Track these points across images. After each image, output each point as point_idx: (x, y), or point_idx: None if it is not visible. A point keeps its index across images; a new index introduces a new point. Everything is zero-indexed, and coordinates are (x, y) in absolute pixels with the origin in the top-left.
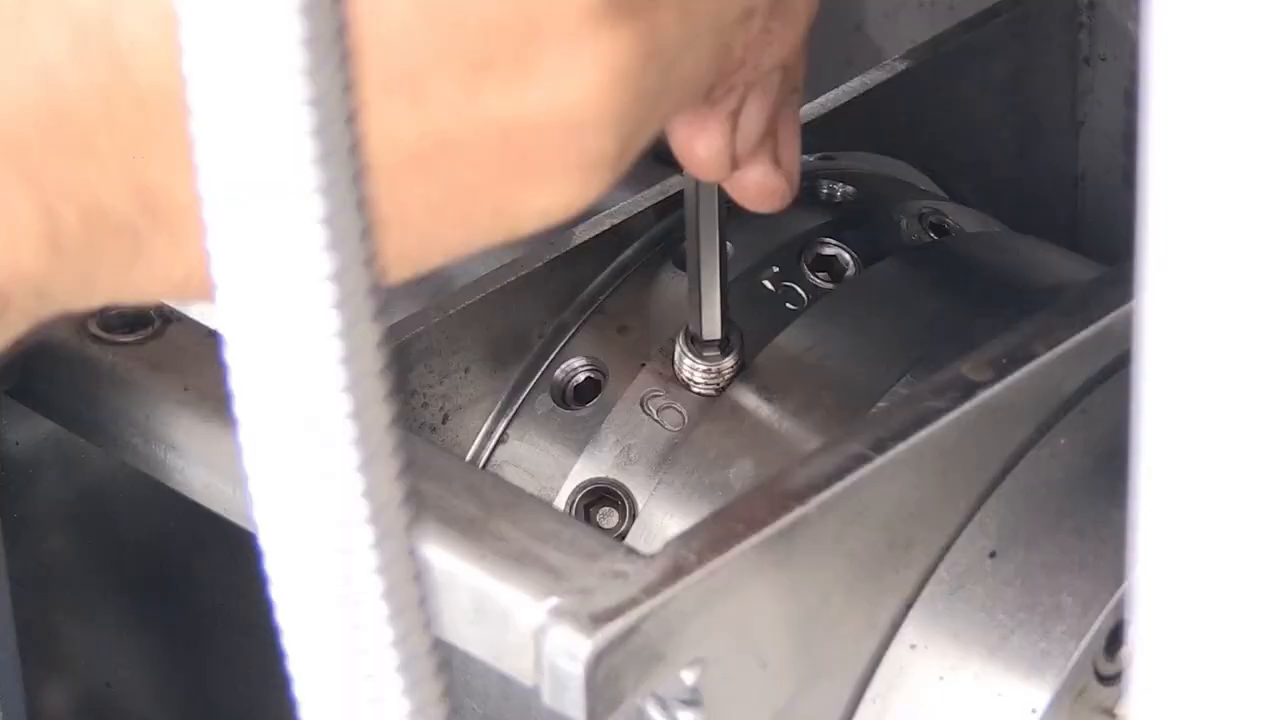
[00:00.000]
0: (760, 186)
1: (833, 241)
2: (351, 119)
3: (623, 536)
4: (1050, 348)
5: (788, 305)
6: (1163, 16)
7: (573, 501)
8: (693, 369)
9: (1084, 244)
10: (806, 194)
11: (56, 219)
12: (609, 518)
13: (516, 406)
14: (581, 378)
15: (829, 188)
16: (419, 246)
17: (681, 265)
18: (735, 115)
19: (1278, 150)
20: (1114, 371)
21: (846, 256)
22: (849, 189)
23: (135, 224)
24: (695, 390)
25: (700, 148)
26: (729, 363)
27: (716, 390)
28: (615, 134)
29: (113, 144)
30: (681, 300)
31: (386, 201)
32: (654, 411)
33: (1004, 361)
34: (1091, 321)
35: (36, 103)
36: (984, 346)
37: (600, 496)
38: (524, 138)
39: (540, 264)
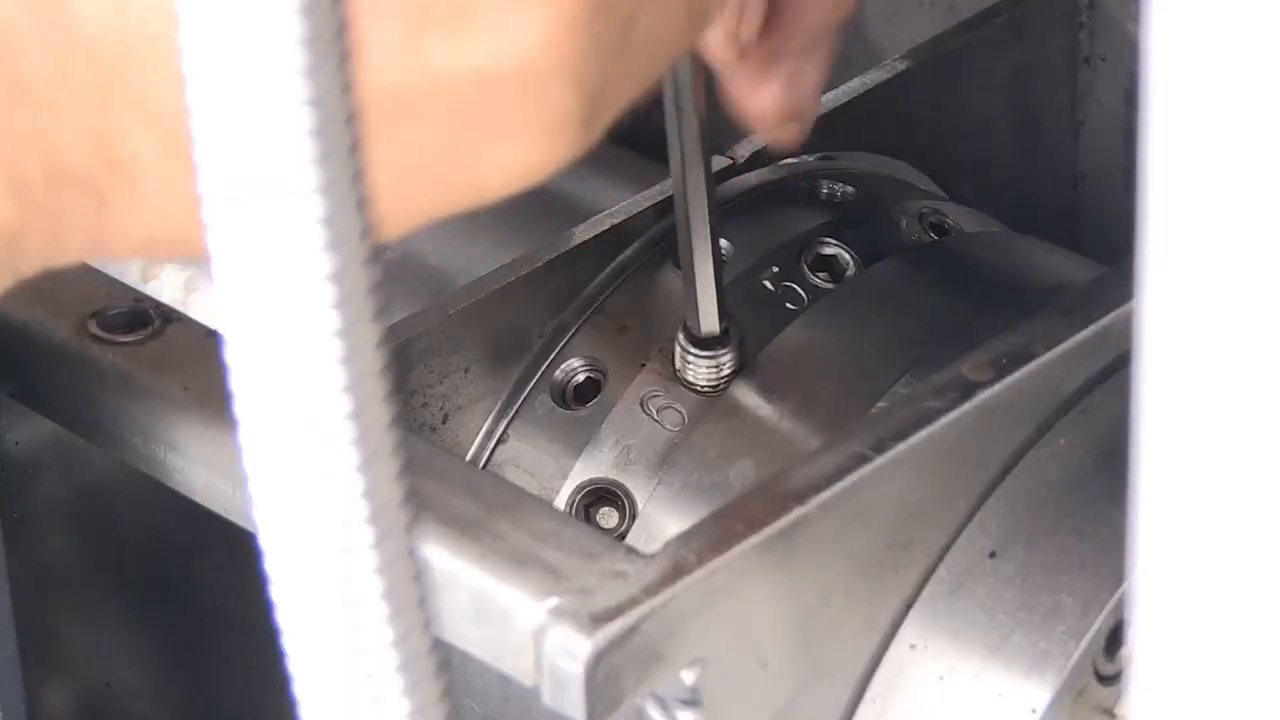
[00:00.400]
0: (778, 108)
1: (833, 241)
2: (351, 119)
3: (623, 536)
4: (1050, 348)
5: (788, 305)
6: (1163, 16)
7: (573, 502)
8: (693, 367)
9: (1084, 244)
10: (806, 194)
11: (20, 171)
12: (609, 518)
13: (516, 406)
14: (581, 378)
15: (829, 188)
16: (387, 211)
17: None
18: (795, 72)
19: (1277, 150)
20: (1114, 371)
21: (846, 256)
22: (849, 189)
23: (97, 178)
24: (695, 390)
25: (759, 101)
26: (728, 358)
27: (716, 389)
28: (576, 89)
29: (68, 97)
30: (681, 300)
31: None
32: (654, 411)
33: (1004, 361)
34: (1091, 321)
35: None
36: (984, 346)
37: (600, 496)
38: (478, 93)
39: (540, 264)
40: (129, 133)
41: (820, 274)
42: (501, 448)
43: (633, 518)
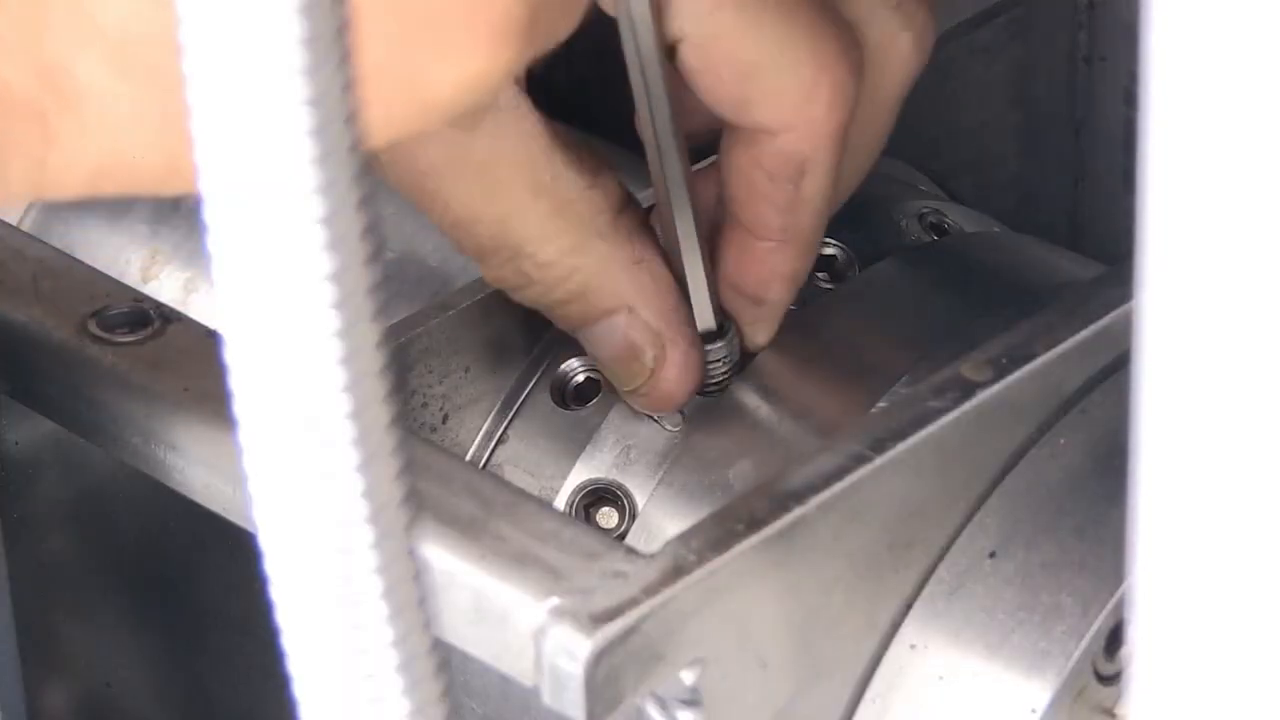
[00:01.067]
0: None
1: (833, 242)
2: (351, 119)
3: (623, 536)
4: (1050, 348)
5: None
6: (1162, 16)
7: (572, 502)
8: None
9: (1084, 244)
10: None
11: None
12: (609, 518)
13: (516, 406)
14: (581, 378)
15: None
16: None
17: None
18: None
19: (1277, 150)
20: (1114, 371)
21: (846, 256)
22: None
23: (41, 104)
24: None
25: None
26: (723, 354)
27: (718, 387)
28: None
29: (7, 20)
30: None
31: None
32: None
33: (1004, 361)
34: (1091, 321)
35: None
36: (984, 346)
37: (600, 497)
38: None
39: None
40: (73, 55)
41: (820, 274)
42: (501, 448)
43: (633, 518)
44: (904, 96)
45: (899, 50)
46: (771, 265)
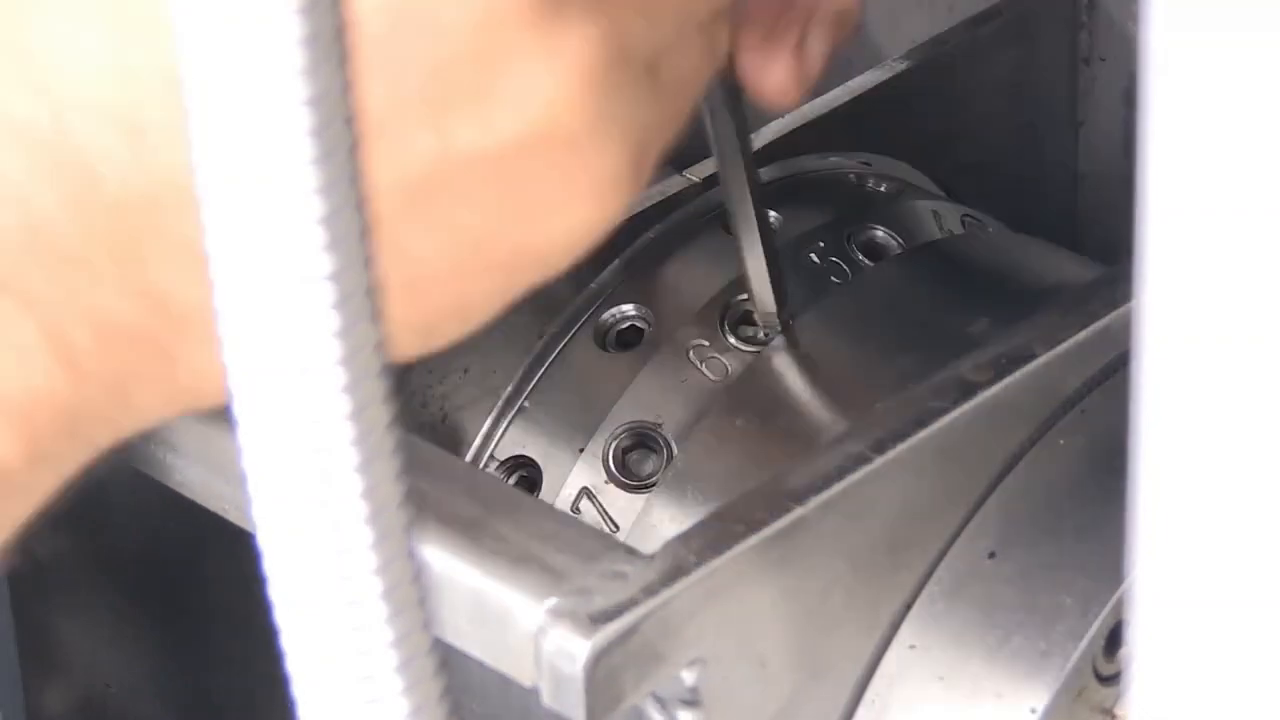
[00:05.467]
0: (780, 82)
1: (879, 228)
2: (351, 119)
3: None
4: (1050, 348)
5: (833, 279)
6: (1162, 16)
7: (609, 444)
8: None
9: (1084, 244)
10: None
11: (67, 338)
12: (644, 461)
13: (517, 406)
14: (626, 325)
15: (873, 183)
16: (447, 307)
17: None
18: (799, 46)
19: (1277, 150)
20: (1114, 371)
21: (893, 242)
22: (891, 183)
23: (154, 332)
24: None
25: (769, 81)
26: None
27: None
28: (614, 143)
29: (102, 254)
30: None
31: (396, 264)
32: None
33: (1004, 361)
34: (1091, 321)
35: (12, 225)
36: (984, 346)
37: (639, 440)
38: (517, 166)
39: None
40: (178, 282)
41: (862, 257)
42: (537, 392)
43: (669, 461)
44: None
45: None
46: None
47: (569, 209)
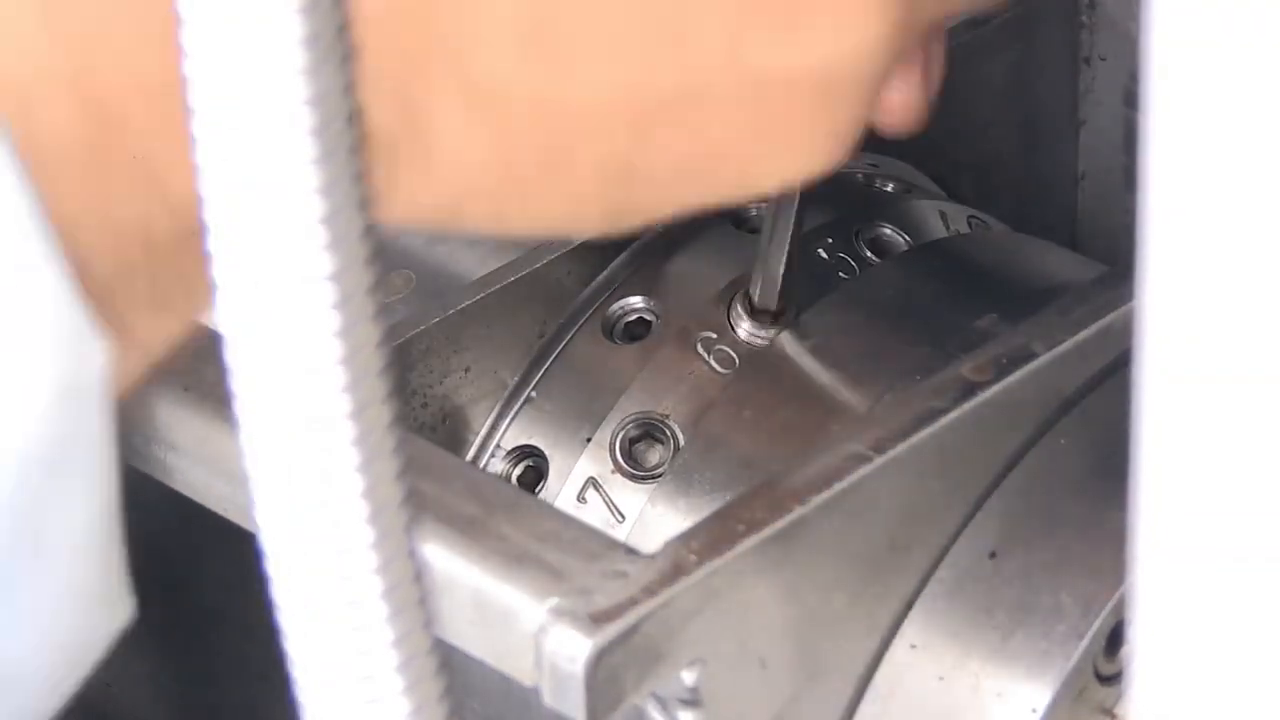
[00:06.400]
0: (904, 104)
1: (887, 226)
2: (352, 119)
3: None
4: (1050, 348)
5: (840, 275)
6: (1163, 16)
7: (616, 433)
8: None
9: (1084, 244)
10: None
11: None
12: (651, 451)
13: (517, 407)
14: (633, 316)
15: (880, 183)
16: (654, 198)
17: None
18: (924, 64)
19: (1277, 150)
20: (1114, 371)
21: (899, 239)
22: (897, 183)
23: (395, 138)
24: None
25: (896, 100)
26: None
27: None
28: (860, 99)
29: (381, 62)
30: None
31: (632, 149)
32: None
33: (1004, 361)
34: (1091, 321)
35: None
36: (984, 346)
37: (646, 431)
38: (781, 96)
39: (540, 264)
40: (439, 100)
41: (870, 254)
42: (545, 381)
43: (676, 451)
44: None
45: None
46: None
47: (798, 150)
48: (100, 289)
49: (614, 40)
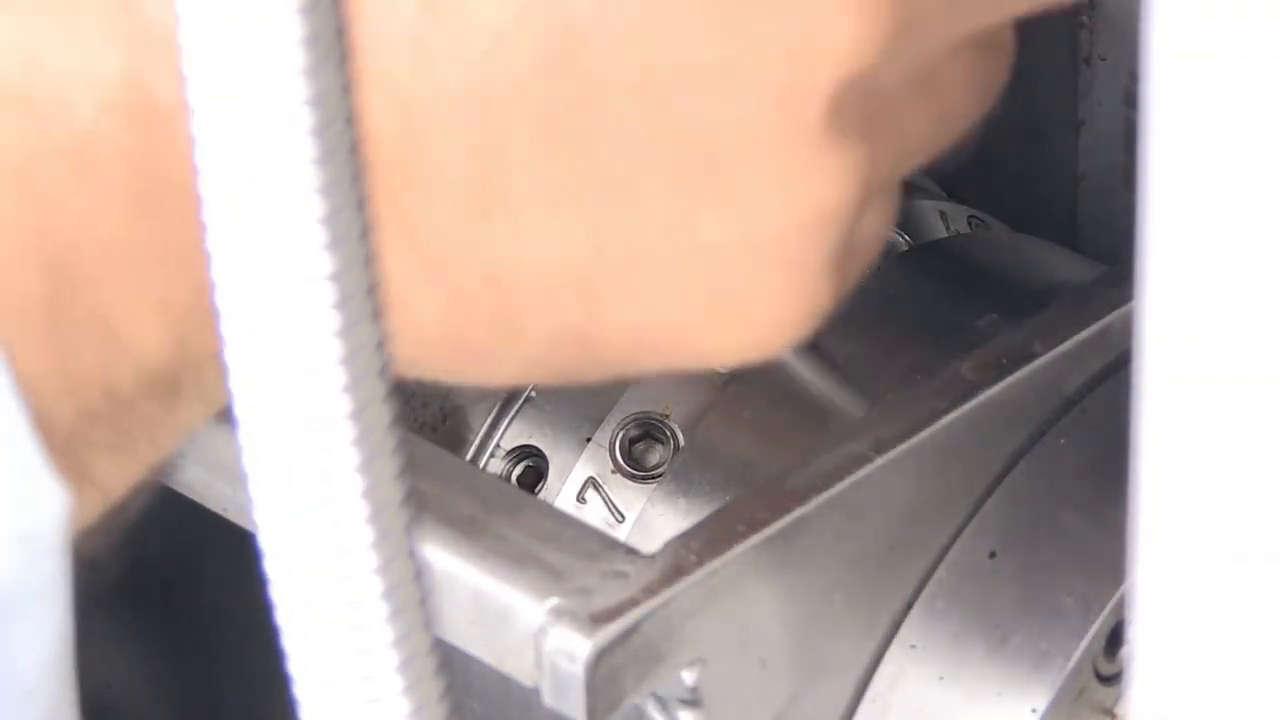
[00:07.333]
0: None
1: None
2: (352, 119)
3: (662, 473)
4: (1050, 348)
5: None
6: (1163, 16)
7: (616, 433)
8: None
9: (1084, 244)
10: None
11: None
12: (652, 451)
13: (517, 406)
14: None
15: None
16: (607, 365)
17: None
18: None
19: (1277, 150)
20: (1114, 371)
21: (900, 239)
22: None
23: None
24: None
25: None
26: None
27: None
28: (832, 256)
29: None
30: None
31: (583, 318)
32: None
33: (1004, 361)
34: (1091, 321)
35: None
36: (984, 346)
37: (646, 431)
38: (733, 268)
39: None
40: (385, 250)
41: None
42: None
43: (676, 450)
44: None
45: None
46: None
47: (752, 326)
48: (60, 436)
49: (562, 203)
